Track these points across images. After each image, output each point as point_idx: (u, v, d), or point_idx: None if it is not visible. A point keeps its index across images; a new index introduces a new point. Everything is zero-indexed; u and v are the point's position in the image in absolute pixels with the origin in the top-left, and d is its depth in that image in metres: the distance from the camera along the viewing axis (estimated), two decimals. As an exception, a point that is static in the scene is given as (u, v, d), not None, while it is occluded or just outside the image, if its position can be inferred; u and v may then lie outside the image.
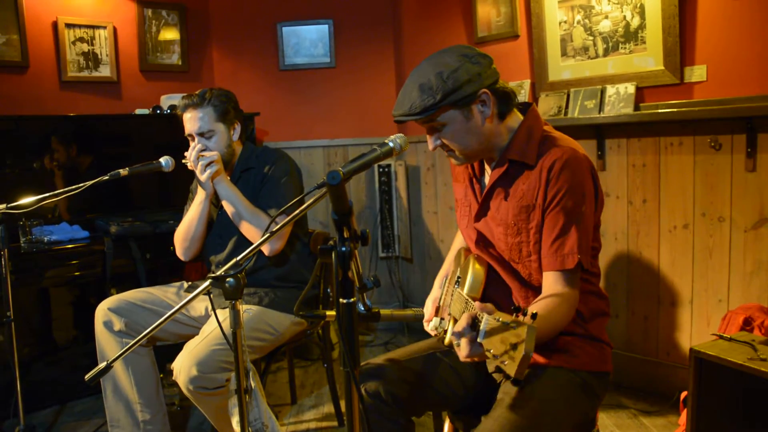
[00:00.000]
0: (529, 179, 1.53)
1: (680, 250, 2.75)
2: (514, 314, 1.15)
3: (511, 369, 1.10)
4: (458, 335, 1.25)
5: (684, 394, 2.15)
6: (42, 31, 3.38)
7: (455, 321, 1.63)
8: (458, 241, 1.95)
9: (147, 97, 3.72)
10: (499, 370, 1.15)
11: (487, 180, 1.65)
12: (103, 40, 3.57)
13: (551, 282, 1.50)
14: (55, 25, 3.41)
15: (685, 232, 2.72)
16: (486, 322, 1.19)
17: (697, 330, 2.73)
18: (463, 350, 1.24)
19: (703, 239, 2.66)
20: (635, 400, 2.84)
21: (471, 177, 1.69)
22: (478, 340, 1.19)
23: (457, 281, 1.75)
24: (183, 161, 2.33)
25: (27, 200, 2.20)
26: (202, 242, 2.46)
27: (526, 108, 1.62)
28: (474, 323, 1.25)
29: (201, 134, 2.32)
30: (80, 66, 3.51)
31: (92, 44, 3.54)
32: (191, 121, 2.32)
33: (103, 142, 3.39)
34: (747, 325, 2.20)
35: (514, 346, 1.10)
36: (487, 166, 1.67)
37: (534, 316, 1.12)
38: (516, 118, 1.59)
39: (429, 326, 1.79)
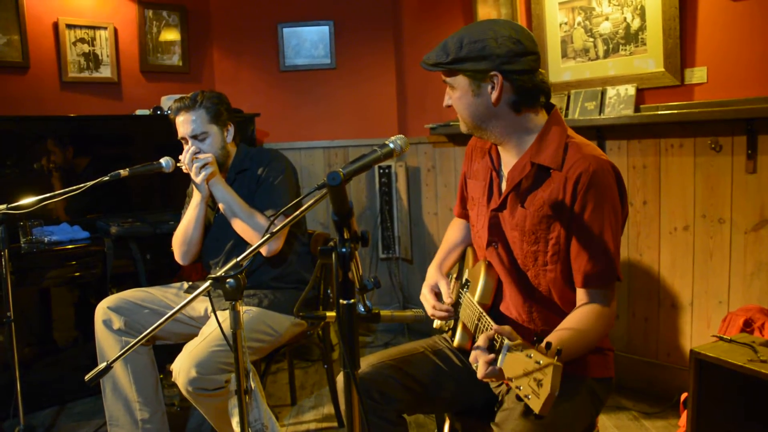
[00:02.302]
0: (550, 187, 1.49)
1: (681, 252, 2.75)
2: (536, 345, 1.15)
3: (535, 405, 1.10)
4: (476, 353, 1.29)
5: (684, 395, 2.15)
6: (43, 32, 3.38)
7: (465, 326, 1.63)
8: (453, 231, 1.93)
9: (147, 97, 3.73)
10: (519, 399, 1.15)
11: (505, 178, 1.61)
12: (104, 40, 3.58)
13: (587, 299, 1.48)
14: (55, 25, 3.42)
15: (686, 234, 2.72)
16: (507, 347, 1.20)
17: (698, 331, 2.73)
18: (480, 371, 1.27)
19: (703, 241, 2.66)
20: (635, 401, 2.84)
21: (491, 173, 1.65)
22: (498, 364, 1.22)
23: (466, 284, 1.74)
24: (178, 164, 2.33)
25: (27, 201, 2.21)
26: (200, 245, 2.46)
27: (548, 109, 1.57)
28: (491, 344, 1.28)
29: (194, 137, 2.32)
30: (81, 67, 3.51)
31: (93, 45, 3.54)
32: (184, 124, 2.32)
33: (104, 143, 3.39)
34: (747, 326, 2.20)
35: (539, 383, 1.10)
36: (504, 164, 1.63)
37: (559, 352, 1.12)
38: (541, 118, 1.55)
39: (435, 323, 1.78)
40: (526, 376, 1.13)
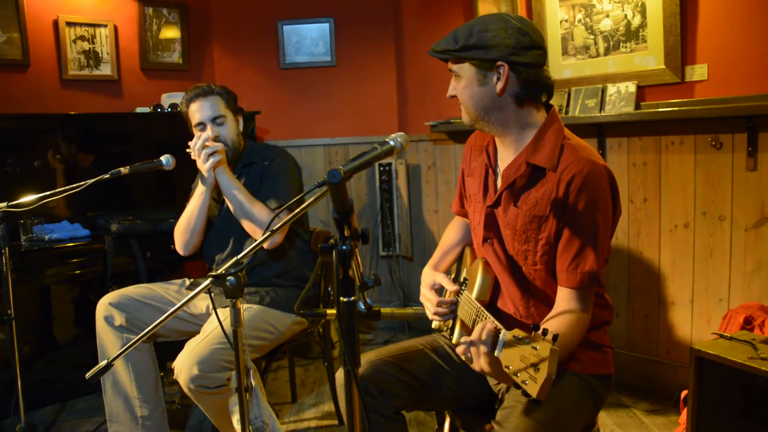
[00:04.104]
0: (543, 187, 1.49)
1: (681, 249, 2.75)
2: (533, 332, 1.15)
3: (533, 390, 1.11)
4: (472, 344, 1.28)
5: (684, 393, 2.15)
6: (43, 30, 3.38)
7: (463, 323, 1.63)
8: (450, 233, 1.93)
9: (148, 95, 3.72)
10: (517, 387, 1.16)
11: (500, 175, 1.61)
12: (104, 38, 3.57)
13: (566, 299, 1.48)
14: (56, 23, 3.41)
15: (686, 231, 2.72)
16: (504, 336, 1.20)
17: (698, 329, 2.73)
18: (477, 360, 1.27)
19: (703, 238, 2.66)
20: (636, 399, 2.84)
21: (487, 170, 1.65)
22: (495, 353, 1.21)
23: (464, 282, 1.74)
24: (187, 150, 2.33)
25: (28, 198, 2.20)
26: (201, 236, 2.46)
27: (546, 109, 1.58)
28: (489, 335, 1.27)
29: (213, 119, 2.34)
30: (81, 64, 3.51)
31: (93, 42, 3.54)
32: (203, 109, 2.34)
33: (104, 141, 3.39)
34: (747, 324, 2.20)
35: (536, 367, 1.10)
36: (501, 159, 1.63)
37: (555, 337, 1.12)
38: (540, 115, 1.55)
39: (434, 324, 1.78)
40: (523, 362, 1.13)
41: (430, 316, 1.73)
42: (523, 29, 1.47)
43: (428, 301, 1.72)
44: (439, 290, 1.75)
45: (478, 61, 1.48)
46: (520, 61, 1.46)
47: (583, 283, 1.46)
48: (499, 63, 1.46)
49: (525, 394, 1.14)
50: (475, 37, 1.47)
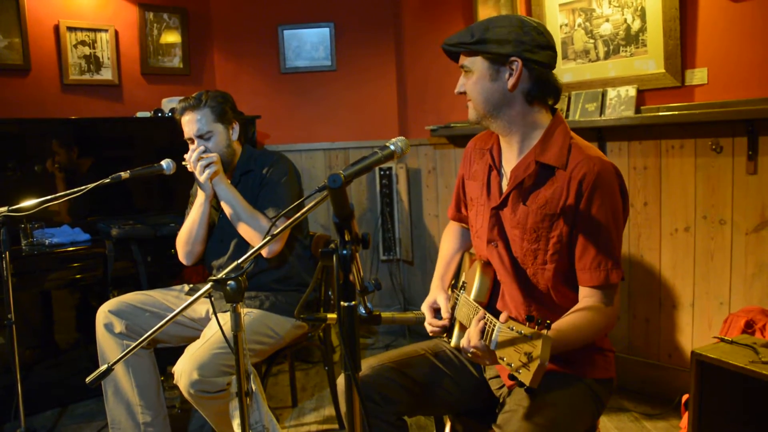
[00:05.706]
0: (554, 185, 1.50)
1: (681, 253, 2.75)
2: (527, 323, 1.17)
3: (526, 378, 1.13)
4: (470, 342, 1.32)
5: (685, 397, 2.15)
6: (44, 34, 3.39)
7: (462, 325, 1.63)
8: (448, 241, 1.92)
9: (148, 100, 3.73)
10: (513, 378, 1.18)
11: (506, 177, 1.61)
12: (105, 43, 3.58)
13: (590, 297, 1.49)
14: (56, 28, 3.42)
15: (687, 235, 2.72)
16: (498, 330, 1.23)
17: (699, 333, 2.73)
18: (475, 357, 1.32)
19: (704, 242, 2.66)
20: (637, 403, 2.84)
21: (490, 171, 1.65)
22: (491, 348, 1.25)
23: (463, 286, 1.74)
24: (183, 163, 2.35)
25: (28, 203, 2.21)
26: (204, 245, 2.47)
27: (551, 112, 1.60)
28: (484, 330, 1.30)
29: (200, 136, 2.34)
30: (82, 69, 3.52)
31: (94, 47, 3.55)
32: (189, 124, 2.34)
33: (105, 145, 3.40)
34: (748, 327, 2.19)
35: (530, 356, 1.12)
36: (505, 160, 1.64)
37: (548, 325, 1.13)
38: (547, 117, 1.57)
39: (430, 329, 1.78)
40: (517, 352, 1.16)
41: (428, 331, 1.74)
42: (539, 29, 1.51)
43: (426, 321, 1.74)
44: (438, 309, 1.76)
45: (492, 54, 1.50)
46: (533, 59, 1.49)
47: (608, 280, 1.47)
48: (513, 58, 1.49)
49: (520, 384, 1.16)
50: (492, 32, 1.49)
